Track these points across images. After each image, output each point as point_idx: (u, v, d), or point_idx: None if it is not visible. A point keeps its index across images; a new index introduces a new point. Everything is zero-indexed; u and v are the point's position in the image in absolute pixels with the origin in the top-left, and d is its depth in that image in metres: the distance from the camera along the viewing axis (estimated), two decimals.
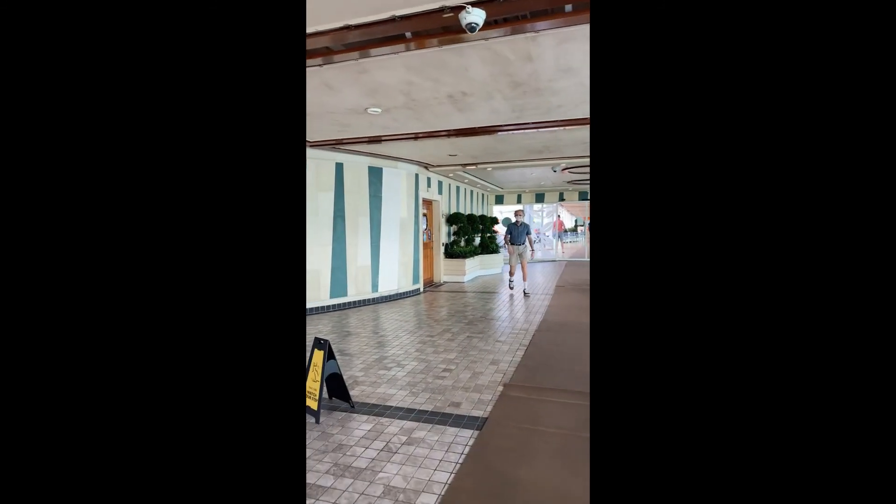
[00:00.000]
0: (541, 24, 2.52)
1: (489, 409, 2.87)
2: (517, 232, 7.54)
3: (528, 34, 2.65)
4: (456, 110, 4.22)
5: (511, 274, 7.80)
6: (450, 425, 2.66)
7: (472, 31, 2.33)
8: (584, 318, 5.52)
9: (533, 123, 4.81)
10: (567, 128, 4.83)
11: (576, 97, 3.84)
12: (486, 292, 7.96)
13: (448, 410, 2.87)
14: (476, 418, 2.74)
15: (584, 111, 4.29)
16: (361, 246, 6.81)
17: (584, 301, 6.79)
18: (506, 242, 7.78)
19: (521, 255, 7.60)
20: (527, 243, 7.60)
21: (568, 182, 11.84)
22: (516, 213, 7.82)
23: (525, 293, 7.52)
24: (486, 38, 2.69)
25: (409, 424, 2.68)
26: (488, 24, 2.48)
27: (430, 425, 2.66)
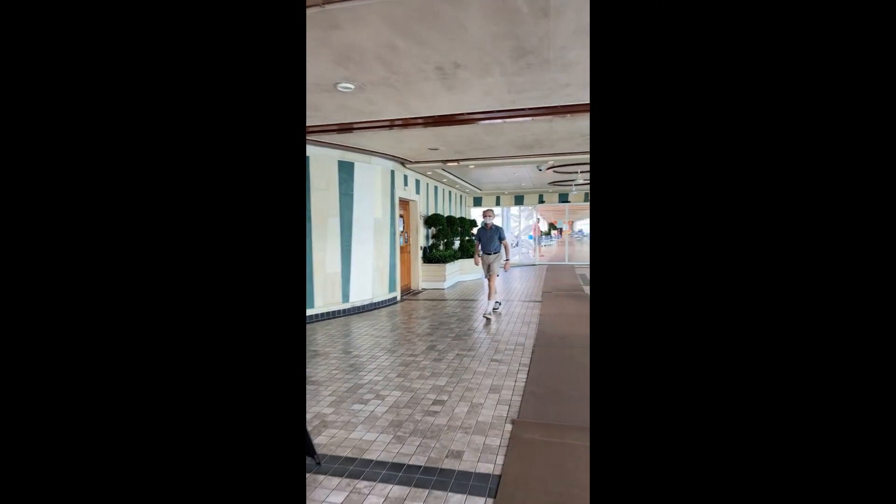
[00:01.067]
0: None
1: (500, 460, 2.21)
2: (486, 237, 5.88)
3: None
4: (444, 88, 3.57)
5: (489, 296, 5.87)
6: (452, 490, 1.97)
7: None
8: (585, 329, 4.95)
9: (529, 109, 4.22)
10: (567, 116, 4.26)
11: (588, 75, 3.26)
12: (470, 300, 7.31)
13: (447, 465, 2.18)
14: (486, 476, 2.07)
15: None
16: (330, 250, 6.04)
17: (580, 308, 6.24)
18: (476, 251, 6.07)
19: (490, 267, 5.87)
20: (501, 251, 5.89)
21: (549, 183, 11.39)
22: (485, 214, 5.95)
23: (496, 311, 6.13)
24: None
25: (396, 491, 1.97)
26: None
27: (426, 490, 1.97)
